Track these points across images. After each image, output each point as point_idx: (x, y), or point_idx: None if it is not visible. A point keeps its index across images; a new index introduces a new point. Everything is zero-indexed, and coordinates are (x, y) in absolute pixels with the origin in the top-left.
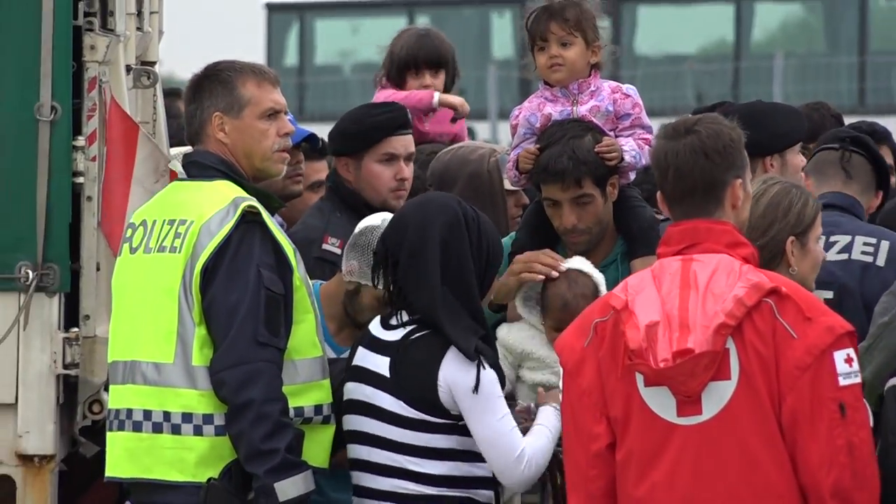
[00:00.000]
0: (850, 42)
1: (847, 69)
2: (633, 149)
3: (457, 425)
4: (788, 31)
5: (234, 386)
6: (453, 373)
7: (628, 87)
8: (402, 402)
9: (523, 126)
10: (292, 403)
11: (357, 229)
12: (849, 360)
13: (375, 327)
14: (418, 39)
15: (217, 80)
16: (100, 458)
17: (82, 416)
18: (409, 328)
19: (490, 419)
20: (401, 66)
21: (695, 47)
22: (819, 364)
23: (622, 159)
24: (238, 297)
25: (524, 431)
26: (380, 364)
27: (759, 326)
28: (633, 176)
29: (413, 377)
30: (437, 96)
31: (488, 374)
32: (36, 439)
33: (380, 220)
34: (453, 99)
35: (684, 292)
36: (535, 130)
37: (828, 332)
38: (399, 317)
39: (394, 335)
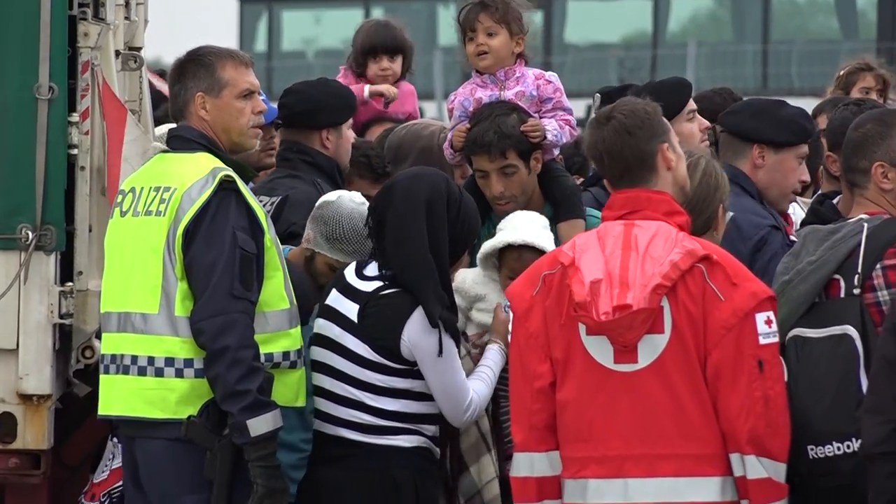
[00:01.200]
0: (754, 32)
1: (752, 56)
2: (554, 128)
3: (412, 370)
4: (699, 23)
5: (212, 334)
6: (417, 333)
7: (550, 74)
8: (366, 346)
9: (458, 109)
10: (263, 350)
11: (318, 203)
12: (768, 322)
13: (350, 274)
14: (378, 29)
15: (200, 63)
16: (91, 398)
17: (76, 361)
18: (381, 283)
19: (444, 377)
20: (363, 52)
21: (617, 37)
22: (742, 324)
23: (545, 137)
24: (215, 256)
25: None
26: (350, 309)
27: (690, 288)
28: (556, 152)
29: (380, 328)
30: (366, 89)
31: (448, 342)
32: (35, 381)
33: (336, 195)
34: (381, 87)
35: (626, 253)
36: (468, 113)
37: (752, 297)
38: (375, 269)
39: (366, 286)
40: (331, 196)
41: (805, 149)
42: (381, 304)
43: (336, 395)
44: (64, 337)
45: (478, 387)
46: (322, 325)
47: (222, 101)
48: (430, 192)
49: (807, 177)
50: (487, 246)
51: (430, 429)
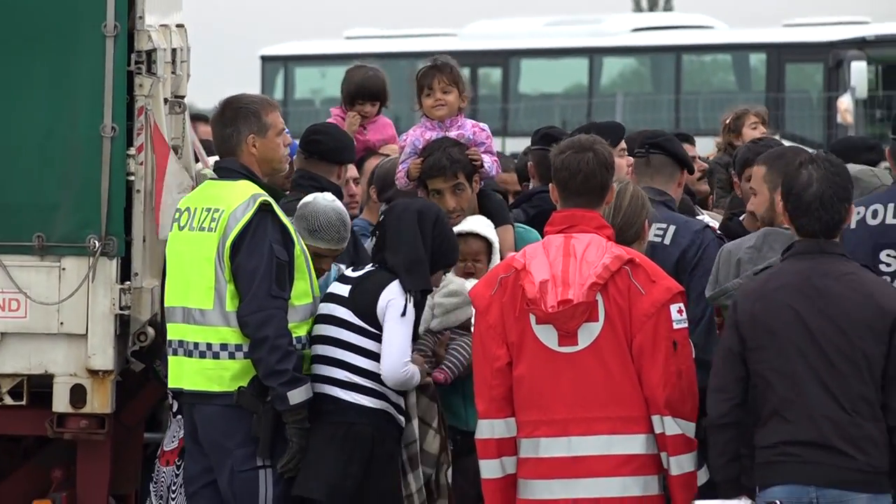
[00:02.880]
0: (668, 85)
1: (667, 104)
2: (488, 162)
3: (378, 329)
4: (626, 77)
5: (255, 326)
6: (390, 295)
7: (483, 124)
8: (350, 312)
9: (409, 146)
10: (294, 335)
11: (299, 204)
12: (680, 311)
13: (347, 271)
14: (364, 78)
15: (248, 111)
16: (145, 372)
17: (132, 343)
18: (370, 270)
19: (397, 334)
20: (351, 96)
21: (560, 88)
22: (659, 313)
23: (482, 165)
24: (256, 264)
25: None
26: (343, 290)
27: (619, 285)
28: (483, 183)
29: (363, 296)
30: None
31: (411, 310)
32: (100, 359)
33: (312, 197)
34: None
35: (566, 259)
36: (417, 150)
37: (666, 291)
38: (369, 267)
39: (357, 273)
40: (308, 198)
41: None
42: (366, 280)
43: (327, 357)
44: (123, 325)
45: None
46: (322, 307)
47: (267, 140)
48: (422, 209)
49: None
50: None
51: (394, 396)
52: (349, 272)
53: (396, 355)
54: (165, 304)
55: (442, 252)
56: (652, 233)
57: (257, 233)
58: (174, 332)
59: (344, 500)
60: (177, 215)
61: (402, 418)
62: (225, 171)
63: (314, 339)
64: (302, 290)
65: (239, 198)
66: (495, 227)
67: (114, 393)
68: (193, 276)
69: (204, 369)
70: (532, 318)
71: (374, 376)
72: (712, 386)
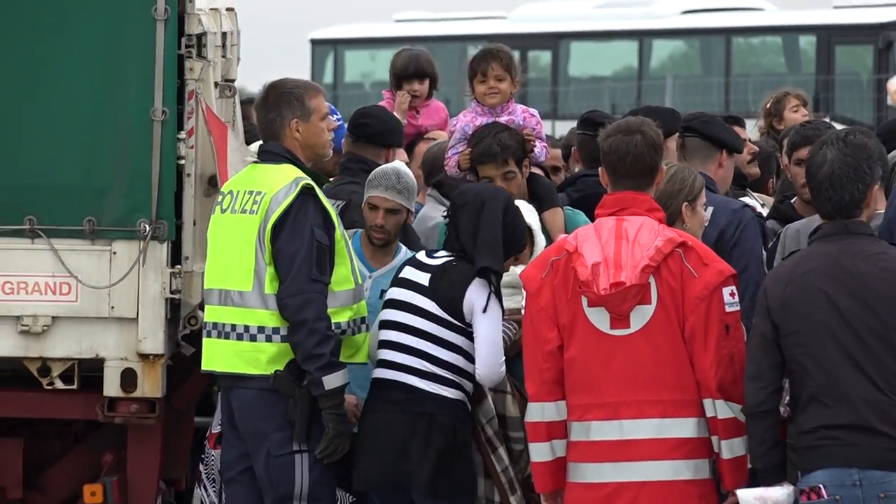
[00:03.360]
0: (718, 67)
1: (717, 86)
2: (539, 147)
3: (467, 330)
4: (675, 60)
5: (294, 309)
6: (476, 294)
7: (533, 110)
8: (434, 303)
9: (459, 132)
10: (333, 320)
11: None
12: (732, 294)
13: (422, 255)
14: (408, 57)
15: (292, 95)
16: (195, 356)
17: (183, 327)
18: (449, 258)
19: (489, 330)
20: (398, 77)
21: (610, 71)
22: (712, 296)
23: (533, 149)
24: (297, 247)
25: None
26: (422, 278)
27: (671, 268)
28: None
29: (447, 289)
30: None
31: (494, 303)
32: (151, 343)
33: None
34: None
35: (618, 242)
36: (466, 136)
37: (719, 274)
38: (443, 253)
39: (436, 262)
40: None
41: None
42: (448, 271)
43: (403, 345)
44: (174, 308)
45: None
46: (395, 292)
47: (311, 125)
48: (495, 195)
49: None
50: None
51: (468, 384)
52: (423, 258)
53: (493, 352)
54: (204, 287)
55: (515, 239)
56: None
57: (299, 216)
58: (211, 314)
59: (428, 490)
60: (220, 198)
61: (470, 406)
62: (268, 155)
63: (384, 324)
64: (342, 276)
65: (281, 181)
66: (544, 210)
67: (164, 377)
68: (233, 258)
69: (241, 351)
70: (584, 301)
71: (455, 368)
72: (748, 374)
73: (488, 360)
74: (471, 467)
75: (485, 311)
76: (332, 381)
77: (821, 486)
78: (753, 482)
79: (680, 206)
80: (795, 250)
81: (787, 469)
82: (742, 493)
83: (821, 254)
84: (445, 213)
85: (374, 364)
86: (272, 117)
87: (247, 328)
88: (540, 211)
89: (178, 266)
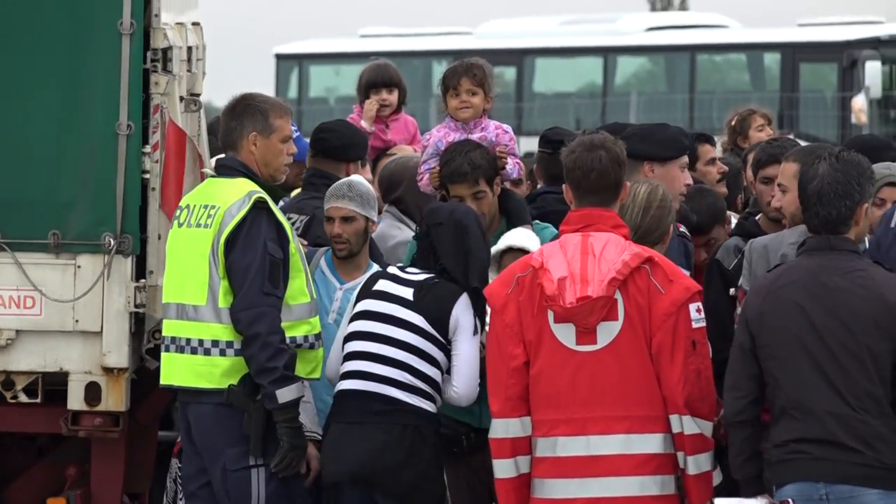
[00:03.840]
0: (683, 84)
1: (681, 103)
2: (511, 164)
3: (447, 347)
4: (640, 77)
5: (247, 322)
6: (462, 310)
7: (506, 126)
8: (421, 318)
9: (432, 147)
10: (288, 334)
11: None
12: (699, 310)
13: (394, 270)
14: (376, 68)
15: (257, 109)
16: (159, 370)
17: (147, 341)
18: (429, 276)
19: (472, 353)
20: (366, 88)
21: (575, 87)
22: (679, 312)
23: (504, 167)
24: (250, 260)
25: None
26: (404, 292)
27: (638, 284)
28: (506, 184)
29: (434, 304)
30: (363, 123)
31: (479, 326)
32: (115, 356)
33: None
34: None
35: (584, 257)
36: (439, 152)
37: (686, 291)
38: (415, 269)
39: (415, 277)
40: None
41: (685, 160)
42: (434, 287)
43: (384, 356)
44: (138, 322)
45: None
46: (372, 304)
47: (270, 142)
48: (468, 212)
49: (689, 181)
50: (493, 250)
51: (439, 401)
52: (399, 273)
53: (472, 374)
54: (162, 301)
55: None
56: None
57: (252, 230)
58: (168, 328)
59: (420, 498)
60: (177, 213)
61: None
62: (224, 169)
63: (357, 336)
64: (298, 289)
65: (235, 195)
66: (516, 227)
67: (128, 391)
68: (188, 272)
69: (195, 365)
70: (550, 317)
71: (433, 383)
72: (727, 384)
73: (468, 380)
74: (443, 483)
75: (474, 333)
76: (285, 394)
77: (790, 500)
78: (728, 494)
79: (668, 227)
80: (779, 264)
81: (762, 482)
82: (718, 502)
83: (801, 267)
84: (417, 230)
85: (338, 376)
86: (233, 125)
87: (201, 342)
88: (511, 226)
89: (143, 280)
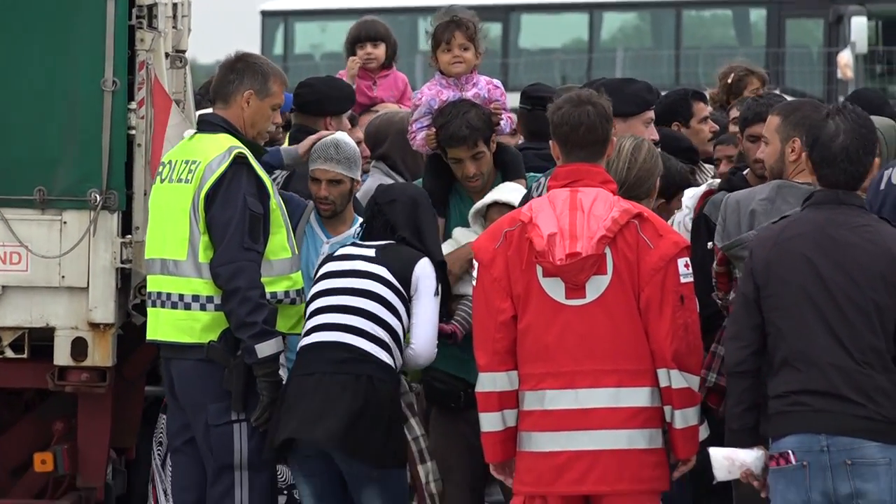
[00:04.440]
0: (669, 40)
1: (667, 59)
2: (505, 119)
3: (408, 301)
4: (626, 32)
5: (227, 277)
6: (424, 270)
7: (497, 81)
8: (385, 269)
9: (425, 106)
10: (268, 289)
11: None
12: (686, 265)
13: (352, 242)
14: (363, 23)
15: (259, 69)
16: (145, 326)
17: (133, 297)
18: (388, 242)
19: (432, 313)
20: (352, 43)
21: (560, 43)
22: (667, 267)
23: (500, 122)
24: (230, 215)
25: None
26: (365, 252)
27: (627, 239)
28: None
29: (397, 260)
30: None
31: (438, 290)
32: (101, 312)
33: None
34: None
35: (573, 213)
36: (432, 110)
37: (674, 246)
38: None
39: (374, 243)
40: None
41: (649, 115)
42: (396, 248)
43: (344, 306)
44: (124, 278)
45: None
46: (332, 265)
47: (262, 105)
48: (422, 193)
49: (655, 137)
50: (478, 205)
51: (399, 358)
52: (354, 242)
53: (431, 333)
54: (145, 257)
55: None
56: None
57: (232, 185)
58: (152, 283)
59: (363, 455)
60: (160, 169)
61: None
62: (206, 125)
63: (319, 294)
64: (279, 245)
65: (216, 150)
66: (511, 180)
67: (115, 346)
68: (170, 227)
69: (176, 320)
70: (539, 271)
71: (395, 335)
72: (729, 334)
73: (427, 340)
74: (404, 437)
75: (435, 294)
76: (264, 349)
77: (789, 451)
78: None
79: (655, 181)
80: (785, 216)
81: (759, 434)
82: (713, 451)
83: (809, 220)
84: (367, 210)
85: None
86: (231, 78)
87: (182, 297)
88: (505, 180)
89: (129, 236)
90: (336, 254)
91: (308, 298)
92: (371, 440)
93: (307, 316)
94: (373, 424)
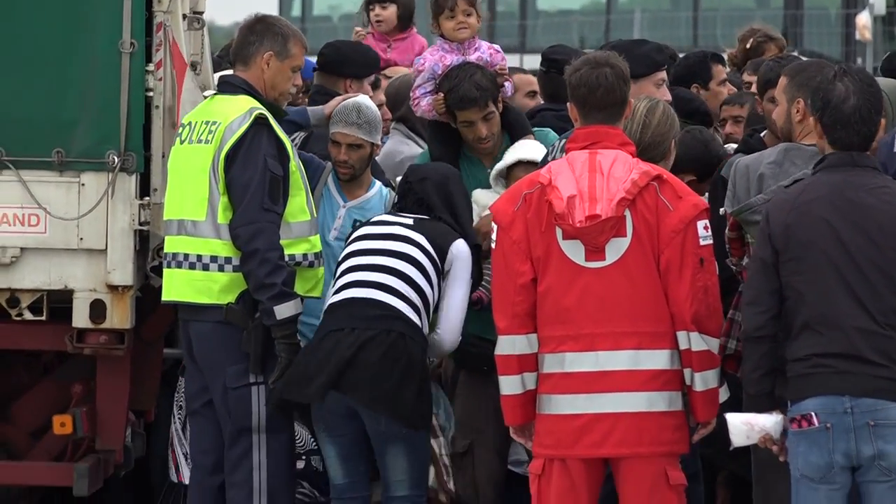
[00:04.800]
0: (686, 1)
1: (685, 21)
2: (507, 84)
3: (442, 273)
4: None
5: (246, 238)
6: (462, 252)
7: (497, 46)
8: (423, 237)
9: (428, 72)
10: (287, 252)
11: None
12: (706, 228)
13: (388, 212)
14: None
15: (279, 31)
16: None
17: (151, 259)
18: (425, 217)
19: (463, 298)
20: (366, 4)
21: (578, 5)
22: (687, 229)
23: (504, 84)
24: (250, 176)
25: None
26: (403, 220)
27: (647, 201)
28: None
29: (436, 233)
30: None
31: (475, 271)
32: (120, 274)
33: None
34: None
35: (592, 175)
36: (436, 76)
37: (694, 208)
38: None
39: (413, 215)
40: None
41: (661, 75)
42: (435, 223)
43: (378, 265)
44: (142, 240)
45: None
46: (367, 229)
47: (282, 66)
48: (453, 172)
49: (668, 97)
50: (500, 164)
51: (426, 329)
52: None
53: (458, 320)
54: (164, 218)
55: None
56: None
57: (252, 146)
58: (170, 244)
59: (393, 411)
60: (180, 130)
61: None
62: (226, 86)
63: (357, 252)
64: (298, 207)
65: (236, 111)
66: (518, 138)
67: (133, 308)
68: (189, 188)
69: (193, 280)
70: (558, 233)
71: (426, 302)
72: (747, 299)
73: (454, 327)
74: (431, 398)
75: (468, 279)
76: (283, 310)
77: (812, 413)
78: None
79: (670, 143)
80: (798, 180)
81: (776, 398)
82: (731, 417)
83: (825, 183)
84: (399, 188)
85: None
86: (252, 40)
87: (199, 257)
88: (513, 139)
89: (147, 198)
90: (372, 220)
91: (340, 259)
92: (402, 397)
93: (337, 275)
94: (404, 381)
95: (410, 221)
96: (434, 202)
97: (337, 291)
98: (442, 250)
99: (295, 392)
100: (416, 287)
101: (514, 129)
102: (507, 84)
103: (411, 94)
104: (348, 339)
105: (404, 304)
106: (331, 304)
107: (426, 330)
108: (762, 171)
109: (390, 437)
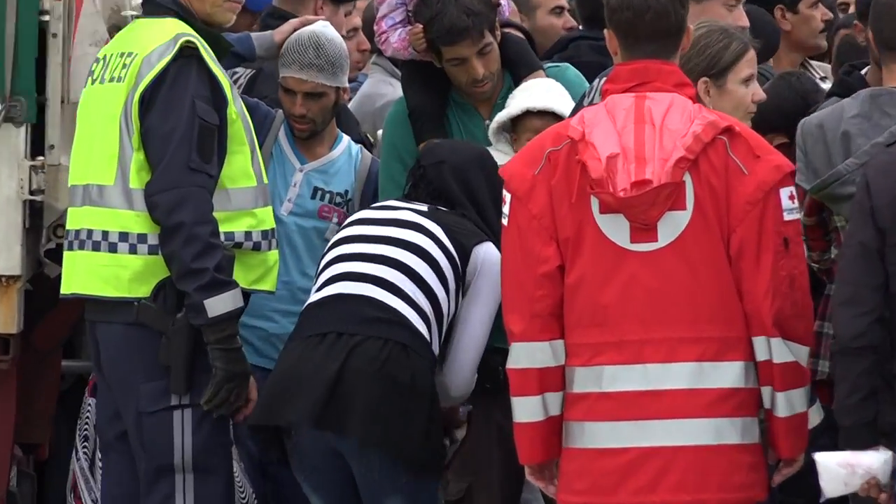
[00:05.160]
0: None
1: None
2: (503, 2)
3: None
4: None
5: (167, 208)
6: (489, 259)
7: None
8: (438, 227)
9: None
10: (223, 228)
11: None
12: (791, 197)
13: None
14: None
15: None
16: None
17: (46, 239)
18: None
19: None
20: None
21: None
22: (767, 199)
23: (500, 3)
24: (173, 126)
25: None
26: (415, 206)
27: (713, 161)
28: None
29: (456, 224)
30: None
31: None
32: (3, 260)
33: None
34: None
35: (639, 126)
36: (407, 1)
37: (776, 170)
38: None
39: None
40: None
41: None
42: (455, 216)
43: (383, 256)
44: (34, 214)
45: None
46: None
47: None
48: (486, 156)
49: (744, 23)
50: (502, 115)
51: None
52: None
53: (474, 357)
54: (68, 185)
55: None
56: None
57: (176, 84)
58: (72, 219)
59: (392, 451)
60: (92, 66)
61: None
62: (150, 6)
63: (349, 238)
64: (239, 169)
65: (158, 39)
66: (523, 77)
67: (21, 306)
68: (96, 142)
69: (97, 266)
70: (594, 206)
71: (439, 315)
72: (840, 298)
73: (468, 364)
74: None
75: (497, 298)
76: (217, 305)
77: None
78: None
79: (695, 81)
80: (879, 141)
81: (878, 430)
82: (822, 459)
83: None
84: (409, 177)
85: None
86: None
87: (105, 235)
88: (517, 79)
89: (41, 158)
90: (385, 203)
91: (326, 249)
92: (405, 432)
93: (320, 269)
94: (407, 411)
95: (425, 208)
96: (453, 194)
97: (318, 289)
98: (464, 250)
99: (268, 415)
100: (427, 289)
101: (516, 65)
102: (503, 3)
103: (375, 28)
104: (332, 351)
105: (409, 308)
106: (309, 304)
107: (436, 349)
108: (846, 129)
109: (386, 489)
